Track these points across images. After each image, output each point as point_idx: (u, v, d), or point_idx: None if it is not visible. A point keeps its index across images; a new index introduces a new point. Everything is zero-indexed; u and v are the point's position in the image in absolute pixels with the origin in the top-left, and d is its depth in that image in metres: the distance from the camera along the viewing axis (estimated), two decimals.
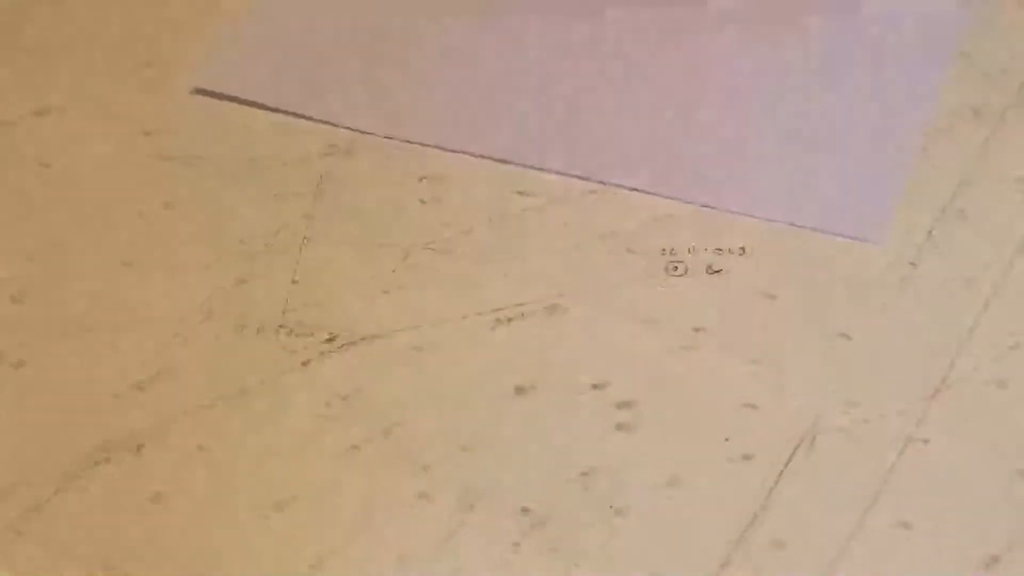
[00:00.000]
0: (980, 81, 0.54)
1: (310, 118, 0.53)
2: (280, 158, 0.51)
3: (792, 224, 0.48)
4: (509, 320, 0.45)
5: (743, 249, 0.47)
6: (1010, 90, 0.53)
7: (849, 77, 0.55)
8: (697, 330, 0.45)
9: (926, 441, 0.41)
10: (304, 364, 0.44)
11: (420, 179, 0.51)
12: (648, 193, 0.50)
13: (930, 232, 0.48)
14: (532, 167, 0.50)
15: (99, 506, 0.41)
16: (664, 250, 0.47)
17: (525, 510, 0.40)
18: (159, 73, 0.55)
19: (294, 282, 0.47)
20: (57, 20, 0.58)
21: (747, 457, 0.41)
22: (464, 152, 0.51)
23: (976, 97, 0.53)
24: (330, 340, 0.45)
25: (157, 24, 0.58)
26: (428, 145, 0.51)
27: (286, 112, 0.53)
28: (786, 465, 0.41)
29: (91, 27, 0.57)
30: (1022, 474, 0.41)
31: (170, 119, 0.53)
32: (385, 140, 0.52)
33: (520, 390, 0.43)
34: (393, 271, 0.47)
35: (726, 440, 0.41)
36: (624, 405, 0.43)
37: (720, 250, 0.47)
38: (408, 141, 0.51)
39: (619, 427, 0.43)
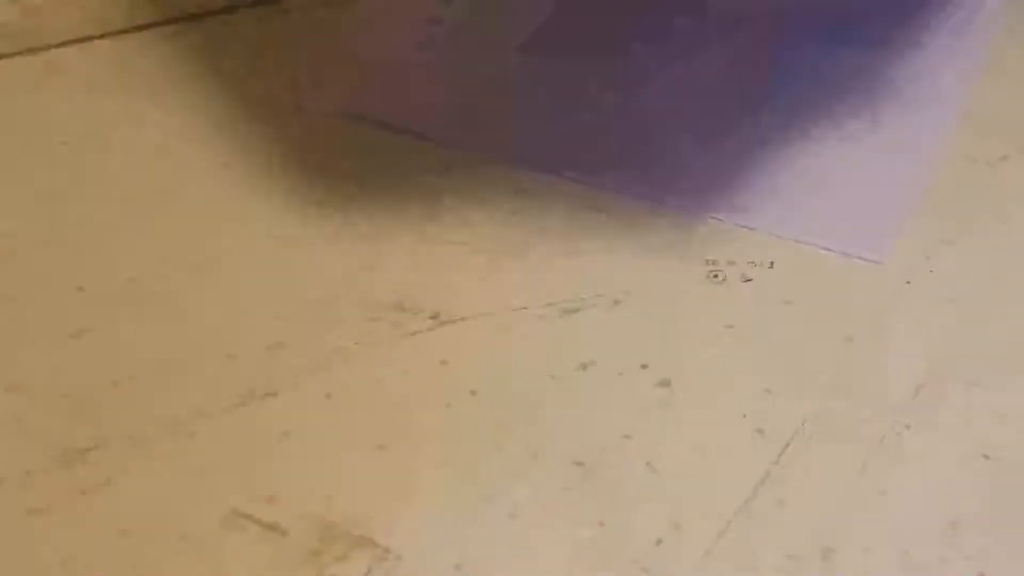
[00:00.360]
0: (983, 127, 0.63)
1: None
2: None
3: (813, 243, 0.58)
4: (577, 310, 0.55)
5: (772, 263, 0.56)
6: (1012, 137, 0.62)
7: (867, 120, 0.64)
8: (728, 327, 0.54)
9: (908, 426, 0.50)
10: (412, 334, 0.55)
11: (515, 192, 0.61)
12: (697, 214, 0.60)
13: (927, 256, 0.57)
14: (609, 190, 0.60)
15: (238, 441, 0.51)
16: (708, 261, 0.57)
17: (578, 463, 0.50)
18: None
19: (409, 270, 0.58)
20: None
21: (759, 431, 0.50)
22: (558, 174, 0.61)
23: (978, 142, 0.62)
24: (434, 318, 0.56)
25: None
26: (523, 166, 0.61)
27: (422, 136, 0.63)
28: (791, 439, 0.50)
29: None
30: (985, 457, 0.50)
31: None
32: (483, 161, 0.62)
33: (583, 366, 0.53)
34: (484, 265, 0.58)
35: (743, 416, 0.51)
36: (663, 383, 0.52)
37: (752, 263, 0.56)
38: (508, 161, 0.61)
39: (658, 401, 0.52)
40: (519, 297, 0.55)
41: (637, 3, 0.72)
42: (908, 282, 0.55)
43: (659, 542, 0.46)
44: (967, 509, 0.47)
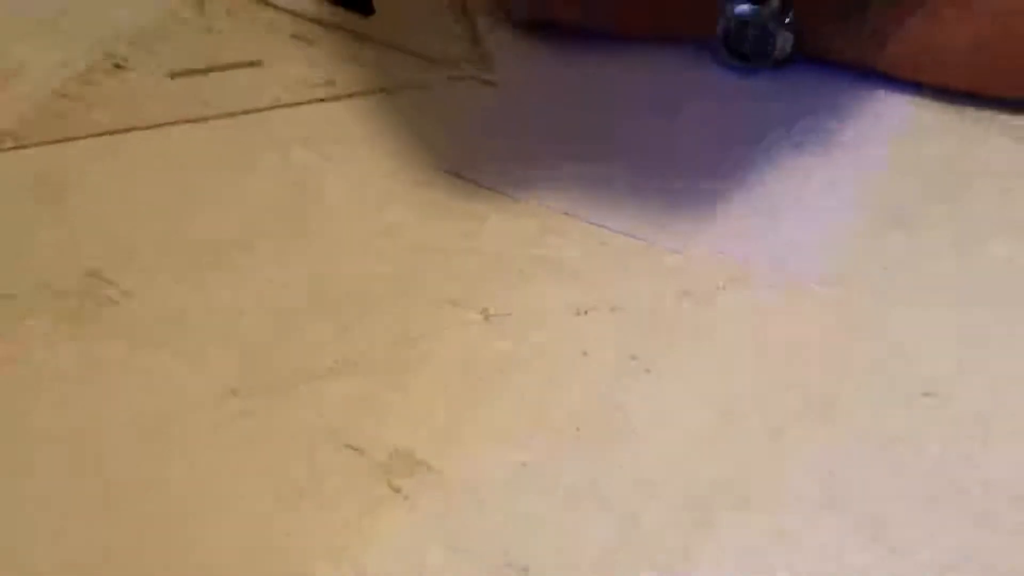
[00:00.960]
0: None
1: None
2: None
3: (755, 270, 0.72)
4: (587, 312, 0.72)
5: (725, 285, 0.71)
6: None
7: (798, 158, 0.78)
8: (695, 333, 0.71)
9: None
10: (469, 324, 0.72)
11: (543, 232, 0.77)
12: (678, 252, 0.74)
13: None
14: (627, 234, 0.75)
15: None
16: (685, 284, 0.72)
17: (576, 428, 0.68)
18: None
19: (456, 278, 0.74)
20: None
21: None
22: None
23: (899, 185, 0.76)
24: (484, 314, 0.73)
25: None
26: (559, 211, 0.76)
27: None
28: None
29: None
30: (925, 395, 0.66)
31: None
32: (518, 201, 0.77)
33: (584, 354, 0.70)
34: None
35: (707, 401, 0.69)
36: (651, 371, 0.68)
37: (717, 285, 0.71)
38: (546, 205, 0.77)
39: (646, 372, 0.68)
40: (548, 301, 0.73)
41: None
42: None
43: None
44: None
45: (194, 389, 0.69)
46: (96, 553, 0.63)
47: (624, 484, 0.64)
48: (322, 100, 0.87)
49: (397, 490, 0.64)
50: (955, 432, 0.66)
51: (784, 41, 0.83)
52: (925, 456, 0.65)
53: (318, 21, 0.93)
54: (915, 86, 0.82)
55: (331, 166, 0.82)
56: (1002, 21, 0.78)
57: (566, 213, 0.77)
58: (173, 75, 0.89)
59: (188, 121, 0.86)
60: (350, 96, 0.87)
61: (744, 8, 0.82)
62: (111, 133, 0.85)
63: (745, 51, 0.84)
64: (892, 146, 0.80)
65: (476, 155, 0.81)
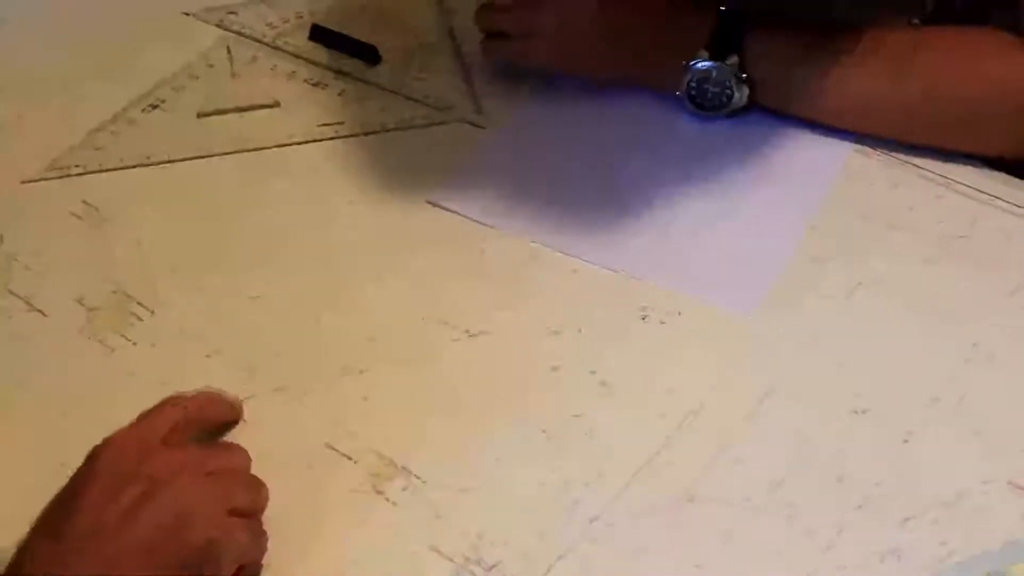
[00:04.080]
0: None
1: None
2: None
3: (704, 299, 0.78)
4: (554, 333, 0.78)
5: (680, 312, 0.77)
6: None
7: (746, 199, 0.83)
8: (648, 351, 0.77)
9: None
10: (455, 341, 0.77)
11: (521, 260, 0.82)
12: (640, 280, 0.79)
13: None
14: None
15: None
16: (641, 307, 0.77)
17: (543, 431, 0.73)
18: None
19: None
20: None
21: (662, 415, 0.74)
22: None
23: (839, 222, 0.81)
24: (467, 332, 0.78)
25: None
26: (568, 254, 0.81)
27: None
28: (682, 421, 0.73)
29: None
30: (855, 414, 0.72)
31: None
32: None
33: (553, 368, 0.76)
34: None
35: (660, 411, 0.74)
36: (603, 383, 0.74)
37: (671, 311, 0.77)
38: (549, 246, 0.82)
39: (601, 384, 0.74)
40: (523, 322, 0.78)
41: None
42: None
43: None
44: None
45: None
46: None
47: (582, 480, 0.70)
48: (332, 138, 0.92)
49: (380, 492, 0.70)
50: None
51: (741, 94, 0.88)
52: (848, 464, 0.70)
53: (330, 69, 0.99)
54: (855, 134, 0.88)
55: (338, 197, 0.88)
56: (928, 83, 0.83)
57: (541, 243, 0.83)
58: (201, 114, 0.95)
59: (214, 155, 0.92)
60: (355, 135, 0.93)
61: (706, 64, 0.87)
62: (146, 165, 0.91)
63: (706, 103, 0.89)
64: (833, 187, 0.85)
65: (462, 189, 0.87)
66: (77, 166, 0.91)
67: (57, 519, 0.62)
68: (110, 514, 0.61)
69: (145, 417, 0.68)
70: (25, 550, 0.62)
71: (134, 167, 0.91)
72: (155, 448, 0.65)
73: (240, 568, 0.64)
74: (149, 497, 0.62)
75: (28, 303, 0.82)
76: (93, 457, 0.65)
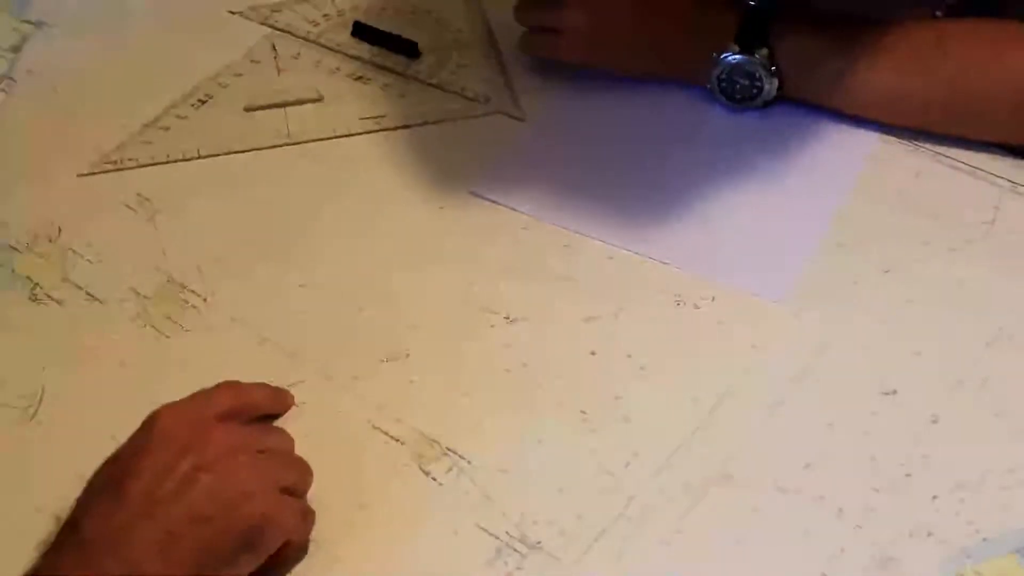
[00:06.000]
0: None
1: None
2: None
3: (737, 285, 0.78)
4: (592, 319, 0.79)
5: (714, 297, 0.78)
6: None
7: (776, 188, 0.84)
8: (680, 335, 0.77)
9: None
10: (494, 327, 0.78)
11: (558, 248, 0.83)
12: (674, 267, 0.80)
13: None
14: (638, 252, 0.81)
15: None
16: (677, 294, 0.78)
17: (582, 411, 0.74)
18: None
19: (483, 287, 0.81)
20: None
21: (694, 399, 0.74)
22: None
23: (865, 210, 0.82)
24: (507, 318, 0.79)
25: None
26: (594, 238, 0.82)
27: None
28: (715, 403, 0.74)
29: None
30: (884, 396, 0.72)
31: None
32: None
33: (592, 352, 0.77)
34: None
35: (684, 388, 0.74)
36: (644, 367, 0.74)
37: (704, 297, 0.78)
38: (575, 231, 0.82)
39: (639, 368, 0.75)
40: (561, 308, 0.79)
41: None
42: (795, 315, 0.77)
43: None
44: None
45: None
46: None
47: (621, 460, 0.70)
48: (374, 131, 0.93)
49: (427, 473, 0.70)
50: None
51: (771, 86, 0.88)
52: (877, 445, 0.70)
53: (372, 64, 1.00)
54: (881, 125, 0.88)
55: (380, 188, 0.89)
56: (952, 75, 0.83)
57: (578, 232, 0.84)
58: (248, 109, 0.96)
59: (260, 148, 0.93)
60: (396, 128, 0.93)
61: (736, 58, 0.87)
62: (196, 158, 0.92)
63: (736, 95, 0.89)
64: (860, 176, 0.85)
65: (502, 180, 0.88)
66: (130, 160, 0.92)
67: (116, 479, 0.63)
68: (170, 482, 0.62)
69: (202, 394, 0.69)
70: (84, 506, 0.63)
71: (184, 160, 0.92)
72: (211, 423, 0.66)
73: (286, 544, 0.65)
74: (207, 469, 0.63)
75: (86, 292, 0.83)
76: (151, 422, 0.66)
